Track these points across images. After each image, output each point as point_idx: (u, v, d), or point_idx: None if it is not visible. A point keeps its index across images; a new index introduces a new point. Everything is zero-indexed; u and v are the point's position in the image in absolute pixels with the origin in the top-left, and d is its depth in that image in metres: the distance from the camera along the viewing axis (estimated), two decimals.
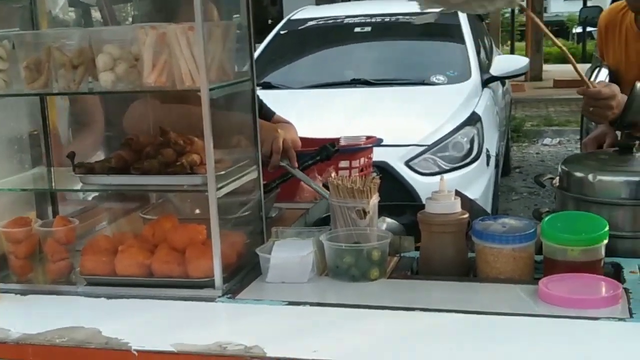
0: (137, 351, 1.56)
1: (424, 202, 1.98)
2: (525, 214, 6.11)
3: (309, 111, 4.86)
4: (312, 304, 1.76)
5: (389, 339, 1.58)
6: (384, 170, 4.31)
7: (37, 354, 1.63)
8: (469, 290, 1.84)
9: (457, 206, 1.95)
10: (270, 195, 2.38)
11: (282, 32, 6.57)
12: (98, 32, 1.97)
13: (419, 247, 2.00)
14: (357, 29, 6.28)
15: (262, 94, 2.56)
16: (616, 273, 1.86)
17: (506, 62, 6.20)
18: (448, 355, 1.48)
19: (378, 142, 3.32)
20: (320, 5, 8.69)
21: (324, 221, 2.28)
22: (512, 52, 16.16)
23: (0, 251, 1.91)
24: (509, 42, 18.24)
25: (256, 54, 5.98)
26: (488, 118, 5.40)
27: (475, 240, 1.90)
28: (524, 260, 1.87)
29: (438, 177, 2.12)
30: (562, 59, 18.58)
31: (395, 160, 4.60)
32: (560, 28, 25.60)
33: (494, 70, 6.00)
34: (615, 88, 2.28)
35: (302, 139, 2.65)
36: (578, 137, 9.27)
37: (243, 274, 1.94)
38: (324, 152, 2.58)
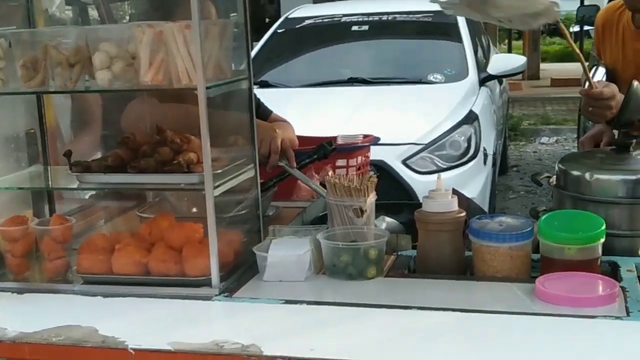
0: (134, 350, 1.56)
1: (421, 200, 1.99)
2: (522, 213, 6.11)
3: (306, 110, 4.86)
4: (309, 303, 1.76)
5: (386, 337, 1.58)
6: (381, 168, 4.31)
7: (33, 352, 1.63)
8: (466, 289, 1.84)
9: (454, 205, 1.95)
10: (267, 193, 2.37)
11: (279, 31, 6.57)
12: (95, 31, 1.97)
13: (416, 246, 2.01)
14: (355, 28, 6.28)
15: (259, 92, 2.56)
16: (613, 272, 1.86)
17: (503, 61, 6.20)
18: (445, 354, 1.48)
19: (375, 141, 3.33)
20: (317, 4, 8.68)
21: (321, 220, 2.29)
22: (509, 50, 16.16)
23: None
24: (506, 41, 18.25)
25: (253, 53, 6.01)
26: (485, 117, 5.40)
27: (472, 238, 1.90)
28: (521, 259, 1.87)
29: (435, 175, 2.12)
30: (559, 58, 18.66)
31: (393, 158, 4.60)
32: (557, 27, 25.55)
33: (491, 69, 6.00)
34: (615, 88, 2.28)
35: (299, 137, 2.65)
36: (575, 135, 9.29)
37: (240, 272, 1.93)
38: (321, 151, 2.59)
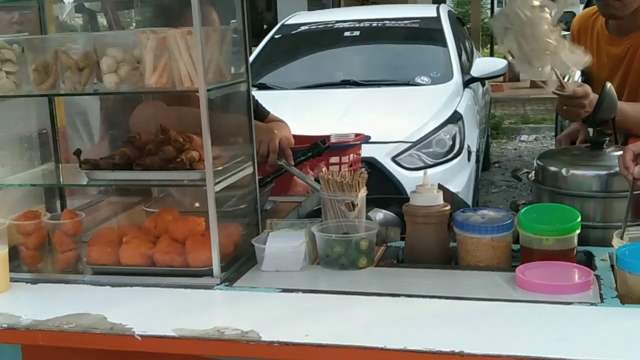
0: (140, 336, 1.56)
1: (409, 195, 1.98)
2: (503, 206, 6.10)
3: (301, 110, 4.85)
4: (304, 291, 1.76)
5: (376, 323, 1.58)
6: (372, 165, 4.31)
7: (46, 339, 1.62)
8: (451, 278, 1.84)
9: (439, 199, 1.94)
10: (265, 189, 2.37)
11: (276, 36, 6.55)
12: (102, 37, 1.96)
13: (404, 237, 2.00)
14: (347, 33, 6.27)
15: (257, 94, 2.55)
16: (588, 261, 1.86)
17: (486, 64, 6.19)
18: (431, 339, 1.47)
19: (366, 139, 3.32)
20: (312, 11, 8.66)
21: (315, 213, 2.28)
22: (491, 54, 16.12)
23: (11, 243, 1.90)
24: (488, 46, 18.24)
25: (252, 57, 6.00)
26: (469, 116, 5.40)
27: (457, 230, 1.90)
28: (502, 249, 1.87)
29: (422, 171, 2.12)
30: None
31: (383, 156, 4.59)
32: None
33: (475, 72, 6.00)
34: (588, 88, 2.28)
35: (295, 136, 2.64)
36: (553, 134, 9.29)
37: (240, 263, 1.93)
38: (316, 149, 2.58)
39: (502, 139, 10.44)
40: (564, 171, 2.01)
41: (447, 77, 5.65)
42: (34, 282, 1.91)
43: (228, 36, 1.95)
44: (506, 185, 7.61)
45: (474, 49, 7.65)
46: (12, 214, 1.99)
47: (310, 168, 2.70)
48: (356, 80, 5.68)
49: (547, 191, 2.05)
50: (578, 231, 1.82)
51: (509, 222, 1.87)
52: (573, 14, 2.31)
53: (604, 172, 1.97)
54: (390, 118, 5.02)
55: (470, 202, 4.77)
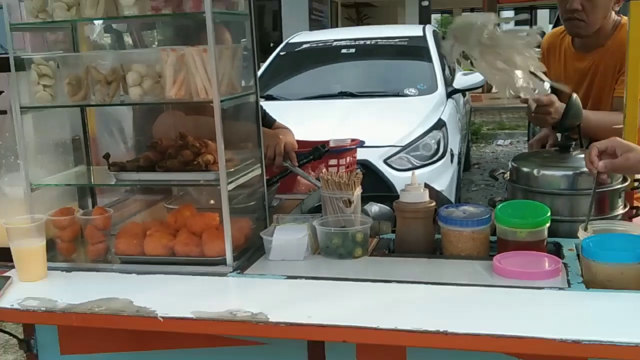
0: (163, 318, 1.56)
1: (399, 193, 1.98)
2: (482, 202, 6.10)
3: (304, 118, 4.84)
4: (307, 278, 1.76)
5: (370, 306, 1.58)
6: (366, 166, 4.31)
7: (79, 320, 1.63)
8: (436, 266, 1.84)
9: (426, 196, 1.95)
10: (271, 188, 2.37)
11: (281, 53, 6.55)
12: (128, 54, 1.97)
13: (395, 230, 2.00)
14: (344, 51, 6.27)
15: (265, 104, 2.55)
16: (557, 251, 1.86)
17: (466, 78, 6.19)
18: (419, 320, 1.48)
19: (361, 144, 3.31)
20: (313, 31, 8.66)
21: (316, 209, 2.28)
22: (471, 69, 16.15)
23: (48, 236, 1.90)
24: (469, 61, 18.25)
25: (260, 72, 6.00)
26: (452, 123, 5.40)
27: (441, 224, 1.90)
28: (481, 241, 1.87)
29: (410, 172, 2.11)
30: None
31: (376, 158, 4.59)
32: None
33: (457, 84, 6.01)
34: (553, 97, 2.29)
35: (298, 141, 2.65)
36: (526, 138, 9.29)
37: (250, 253, 1.93)
38: (316, 152, 2.58)
39: (481, 143, 10.43)
40: (535, 172, 2.01)
41: (432, 89, 5.64)
42: (68, 270, 1.92)
43: (239, 53, 1.95)
44: (485, 184, 7.61)
45: (456, 64, 7.65)
46: (49, 210, 1.99)
47: (312, 169, 2.70)
48: (352, 92, 5.68)
49: (521, 189, 2.04)
50: (548, 224, 1.82)
51: (487, 216, 1.87)
52: (543, 32, 2.30)
53: (570, 172, 1.97)
54: (382, 125, 5.02)
55: (453, 199, 4.77)
